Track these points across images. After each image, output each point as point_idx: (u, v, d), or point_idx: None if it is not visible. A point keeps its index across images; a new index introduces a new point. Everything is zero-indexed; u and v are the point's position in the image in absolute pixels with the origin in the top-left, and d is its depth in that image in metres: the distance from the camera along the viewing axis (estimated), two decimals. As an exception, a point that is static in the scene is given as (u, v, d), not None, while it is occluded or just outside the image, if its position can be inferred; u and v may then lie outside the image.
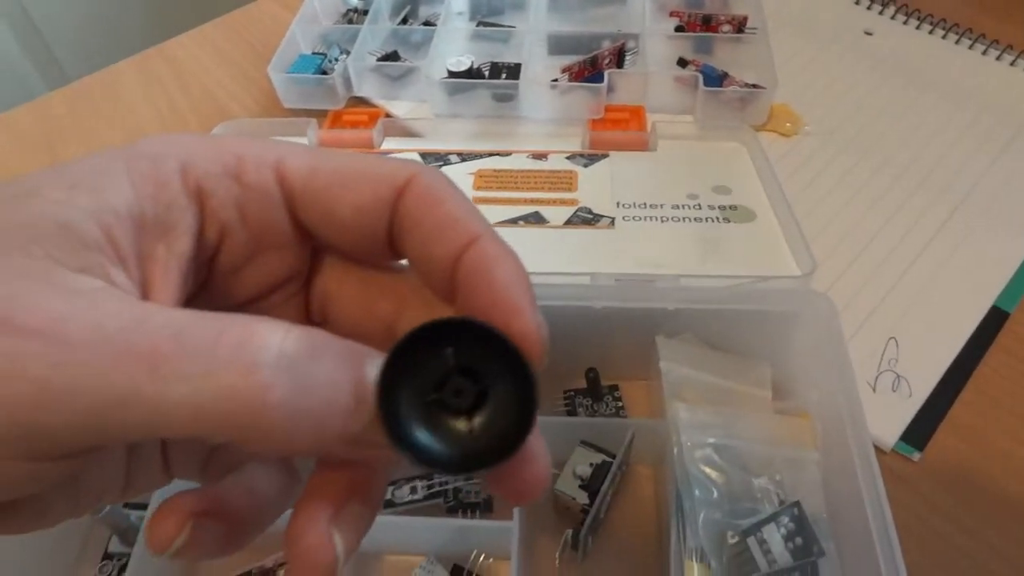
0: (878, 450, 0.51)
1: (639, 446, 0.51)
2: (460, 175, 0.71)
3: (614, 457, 0.50)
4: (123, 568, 0.49)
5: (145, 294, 0.22)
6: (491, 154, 0.74)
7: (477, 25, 0.90)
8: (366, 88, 0.82)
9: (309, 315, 0.28)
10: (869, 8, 0.93)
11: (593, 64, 0.80)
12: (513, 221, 0.66)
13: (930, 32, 0.89)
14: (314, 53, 0.85)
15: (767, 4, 0.85)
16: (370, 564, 0.50)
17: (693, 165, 0.73)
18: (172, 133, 0.25)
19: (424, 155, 0.74)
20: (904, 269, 0.65)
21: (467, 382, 0.21)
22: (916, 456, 0.54)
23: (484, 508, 0.51)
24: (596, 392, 0.56)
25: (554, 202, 0.68)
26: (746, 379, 0.51)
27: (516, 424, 0.21)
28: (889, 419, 0.56)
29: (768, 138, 0.77)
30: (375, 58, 0.83)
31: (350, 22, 0.89)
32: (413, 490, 0.50)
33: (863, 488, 0.41)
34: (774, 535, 0.42)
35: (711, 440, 0.46)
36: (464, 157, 0.74)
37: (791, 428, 0.48)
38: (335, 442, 0.19)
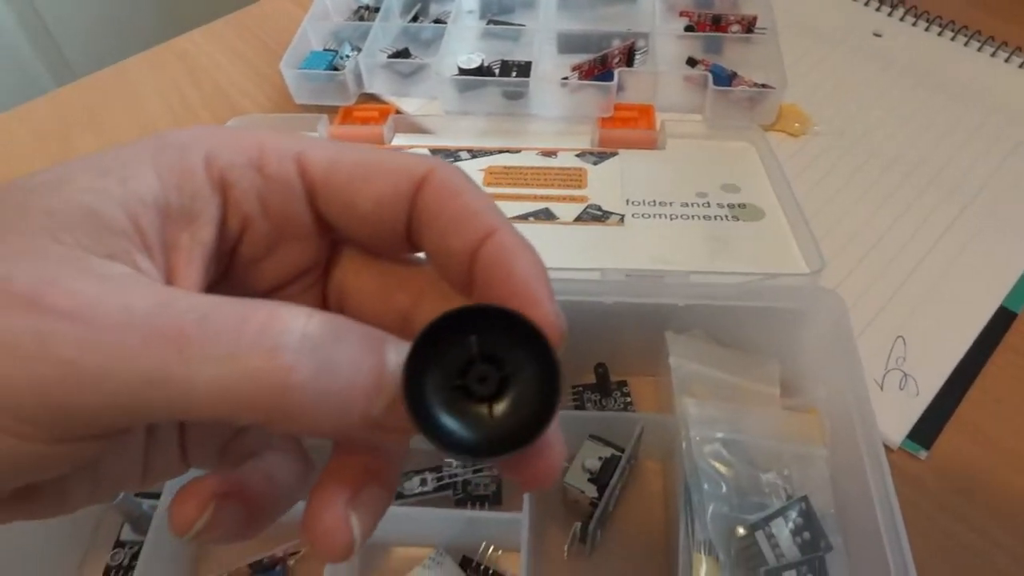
0: (885, 448, 0.52)
1: (648, 441, 0.51)
2: (470, 171, 0.70)
3: (623, 451, 0.50)
4: (135, 556, 0.49)
5: (169, 281, 0.23)
6: (501, 151, 0.75)
7: (487, 23, 0.90)
8: (377, 85, 0.83)
9: (326, 306, 0.28)
10: (878, 10, 0.93)
11: (603, 63, 0.81)
12: (523, 217, 0.67)
13: (939, 34, 0.89)
14: (325, 50, 0.85)
15: (776, 5, 0.85)
16: (379, 555, 0.51)
17: (702, 164, 0.73)
18: (197, 125, 0.25)
19: (434, 151, 0.75)
20: (912, 268, 0.65)
21: (490, 369, 0.21)
22: (923, 454, 0.55)
23: (493, 500, 0.51)
24: (605, 387, 0.57)
25: (564, 199, 0.69)
26: (754, 376, 0.51)
27: (538, 411, 0.21)
28: (896, 417, 0.56)
29: (777, 138, 0.77)
30: (386, 55, 0.83)
31: (361, 19, 0.90)
32: (423, 482, 0.50)
33: (872, 484, 0.41)
34: (782, 529, 0.42)
35: (720, 435, 0.46)
36: (474, 154, 0.75)
37: (799, 424, 0.48)
38: (356, 424, 0.20)
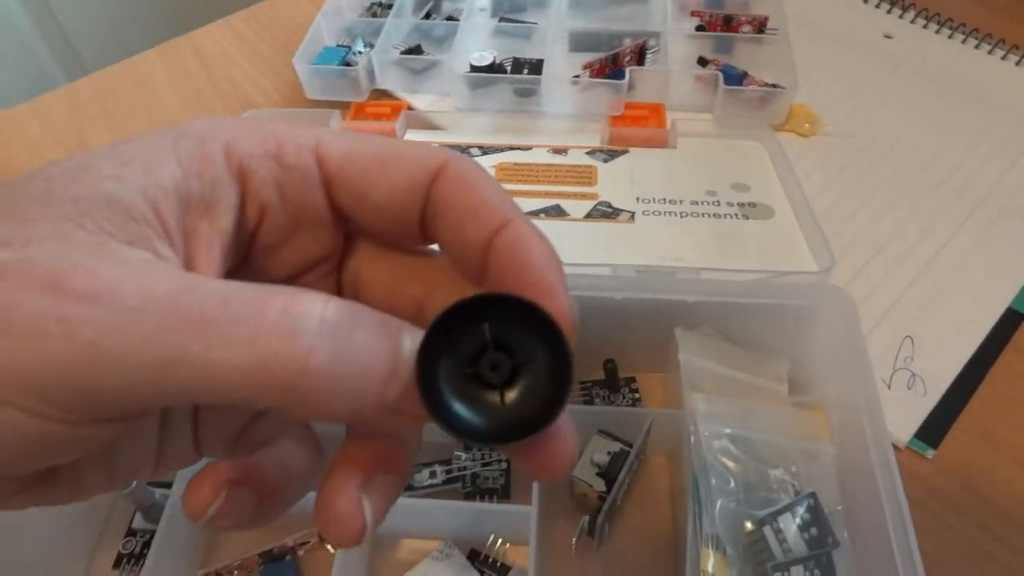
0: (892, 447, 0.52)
1: (656, 436, 0.51)
2: (481, 168, 0.72)
3: (631, 446, 0.50)
4: (146, 544, 0.50)
5: (189, 268, 0.23)
6: (512, 148, 0.75)
7: (499, 21, 0.90)
8: (389, 81, 0.83)
9: (341, 296, 0.28)
10: (889, 12, 0.93)
11: (614, 61, 0.81)
12: (534, 214, 0.67)
13: (949, 36, 0.89)
14: (338, 46, 0.86)
15: (787, 6, 0.85)
16: (388, 547, 0.51)
17: (712, 162, 0.73)
18: (216, 116, 0.26)
19: (446, 148, 0.75)
20: (921, 269, 0.65)
21: (503, 357, 0.22)
22: (930, 453, 0.55)
23: (502, 494, 0.51)
24: (613, 383, 0.57)
25: (574, 196, 0.69)
26: (763, 373, 0.52)
27: (549, 398, 0.21)
28: (904, 416, 0.56)
29: (787, 138, 0.77)
30: (399, 51, 0.83)
31: (374, 15, 0.90)
32: (432, 474, 0.51)
33: (880, 481, 0.41)
34: (790, 525, 0.43)
35: (728, 431, 0.46)
36: (485, 150, 0.75)
37: (807, 421, 0.48)
38: (371, 409, 0.20)
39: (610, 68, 0.81)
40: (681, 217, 0.67)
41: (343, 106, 0.80)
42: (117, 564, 0.50)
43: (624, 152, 0.74)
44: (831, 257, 0.59)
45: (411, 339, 0.21)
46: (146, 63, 0.92)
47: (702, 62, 0.83)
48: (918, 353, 0.59)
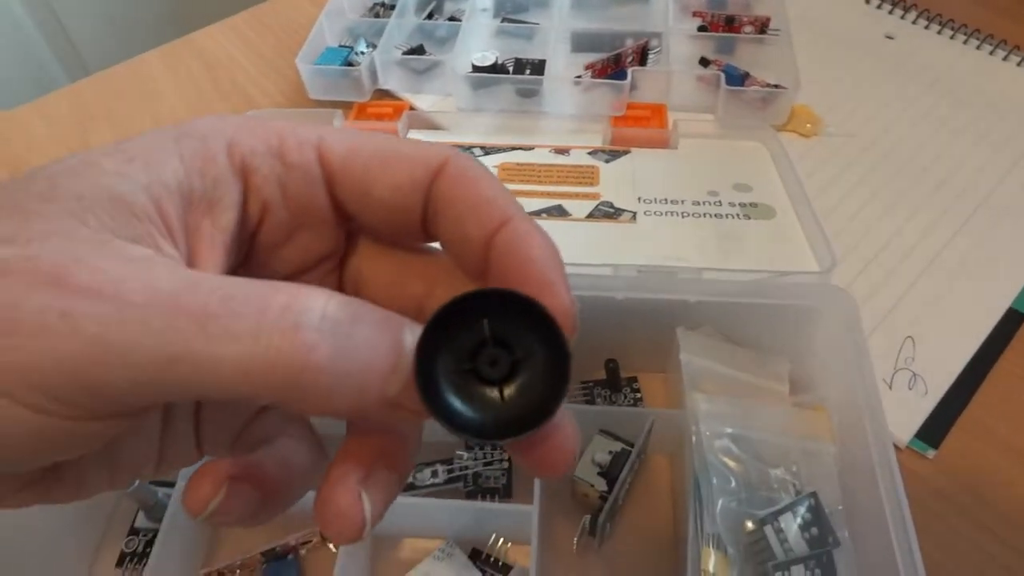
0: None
1: (657, 436, 0.51)
2: (483, 168, 0.72)
3: (632, 446, 0.50)
4: (149, 543, 0.50)
5: (191, 266, 0.23)
6: (514, 148, 0.75)
7: (502, 21, 0.91)
8: (391, 81, 0.83)
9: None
10: (891, 12, 0.93)
11: (616, 62, 0.81)
12: (536, 214, 0.67)
13: (951, 37, 0.89)
14: (341, 46, 0.86)
15: (789, 7, 0.85)
16: (390, 546, 0.51)
17: (714, 163, 0.73)
18: (219, 114, 0.26)
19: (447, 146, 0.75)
20: (922, 269, 0.65)
21: (501, 352, 0.22)
22: (931, 453, 0.55)
23: (503, 493, 0.51)
24: (615, 383, 0.57)
25: (576, 196, 0.69)
26: (764, 373, 0.52)
27: (548, 394, 0.21)
28: (904, 416, 0.56)
29: (788, 138, 0.77)
30: (401, 52, 0.84)
31: (376, 16, 0.90)
32: (434, 474, 0.51)
33: (880, 481, 0.41)
34: (791, 524, 0.43)
35: (729, 430, 0.46)
36: (487, 151, 0.75)
37: (808, 421, 0.48)
38: (372, 404, 0.20)
39: (612, 68, 0.81)
40: (683, 217, 0.67)
41: (345, 106, 0.80)
42: (120, 563, 0.50)
43: (626, 152, 0.75)
44: (832, 257, 0.59)
45: (412, 335, 0.21)
46: (148, 64, 0.92)
47: (704, 62, 0.83)
48: (919, 353, 0.60)
